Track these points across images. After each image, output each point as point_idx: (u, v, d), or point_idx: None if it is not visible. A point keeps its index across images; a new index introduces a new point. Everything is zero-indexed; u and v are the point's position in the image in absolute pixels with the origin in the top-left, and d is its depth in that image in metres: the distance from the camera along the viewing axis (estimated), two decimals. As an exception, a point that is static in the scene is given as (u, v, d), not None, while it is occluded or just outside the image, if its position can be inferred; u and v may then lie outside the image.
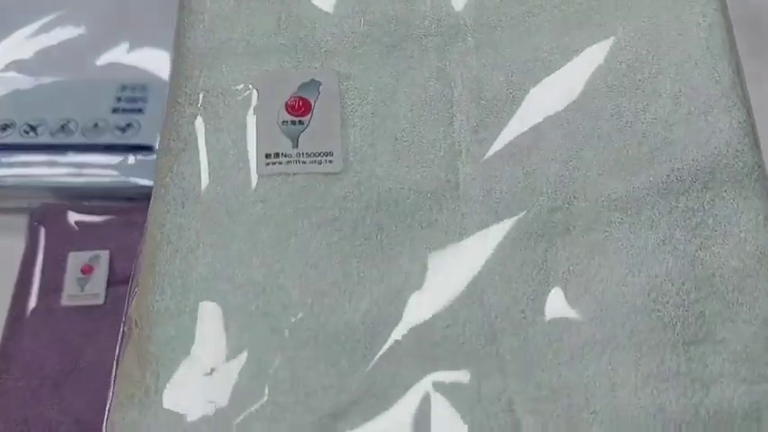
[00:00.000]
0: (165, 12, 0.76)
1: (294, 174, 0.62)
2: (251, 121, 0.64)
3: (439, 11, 0.69)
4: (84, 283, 0.76)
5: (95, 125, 0.83)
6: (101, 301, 0.75)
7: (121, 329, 0.61)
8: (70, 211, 0.80)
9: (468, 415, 0.55)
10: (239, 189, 0.62)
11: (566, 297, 0.59)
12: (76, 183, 0.82)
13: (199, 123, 0.64)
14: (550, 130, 0.64)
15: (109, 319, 0.72)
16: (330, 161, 0.63)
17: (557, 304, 0.59)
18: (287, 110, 0.64)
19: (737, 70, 0.66)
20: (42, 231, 0.79)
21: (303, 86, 0.65)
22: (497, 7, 0.69)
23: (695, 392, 0.56)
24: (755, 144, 0.64)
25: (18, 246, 0.79)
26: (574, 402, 0.56)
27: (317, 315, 0.58)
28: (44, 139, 0.82)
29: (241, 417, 0.55)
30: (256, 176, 0.62)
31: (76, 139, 0.83)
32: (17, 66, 0.87)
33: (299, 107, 0.64)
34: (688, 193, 0.62)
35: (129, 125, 0.84)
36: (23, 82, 0.86)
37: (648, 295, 0.59)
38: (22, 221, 0.81)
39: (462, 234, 0.61)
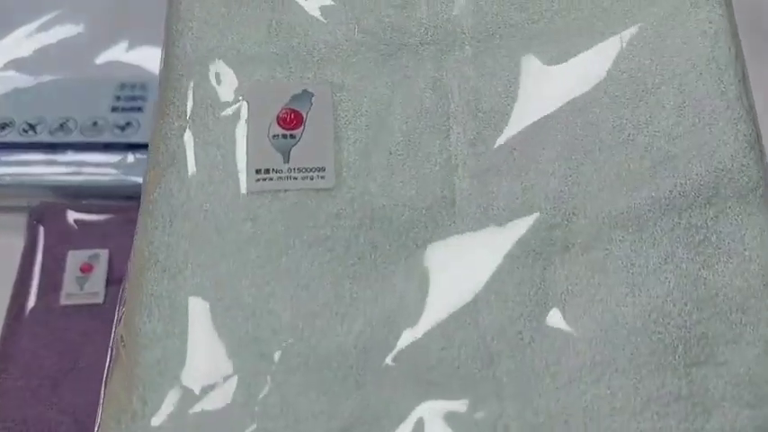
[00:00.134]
0: (164, 10, 0.73)
1: (285, 190, 0.59)
2: (241, 134, 0.61)
3: (436, 18, 0.65)
4: (83, 282, 0.75)
5: (94, 124, 0.82)
6: (100, 300, 0.74)
7: (110, 349, 0.59)
8: (69, 210, 0.79)
9: (463, 442, 0.53)
10: (229, 206, 0.59)
11: (564, 318, 0.56)
12: (76, 181, 0.81)
13: (188, 137, 0.61)
14: (550, 143, 0.61)
15: (108, 318, 0.68)
16: (322, 177, 0.59)
17: (555, 325, 0.56)
18: (278, 123, 0.61)
19: (743, 79, 0.62)
20: (41, 230, 0.78)
21: (295, 98, 0.62)
22: (496, 14, 0.65)
23: (697, 417, 0.54)
24: (761, 157, 0.60)
25: (17, 245, 0.78)
26: (572, 428, 0.53)
27: (307, 339, 0.55)
28: (43, 137, 0.81)
29: (230, 444, 0.52)
30: (246, 193, 0.59)
31: (75, 137, 0.82)
32: (16, 64, 0.86)
33: (291, 120, 0.61)
34: (691, 209, 0.58)
35: (128, 124, 0.83)
36: (22, 80, 0.85)
37: (649, 316, 0.56)
38: (21, 220, 0.80)
39: (458, 252, 0.58)
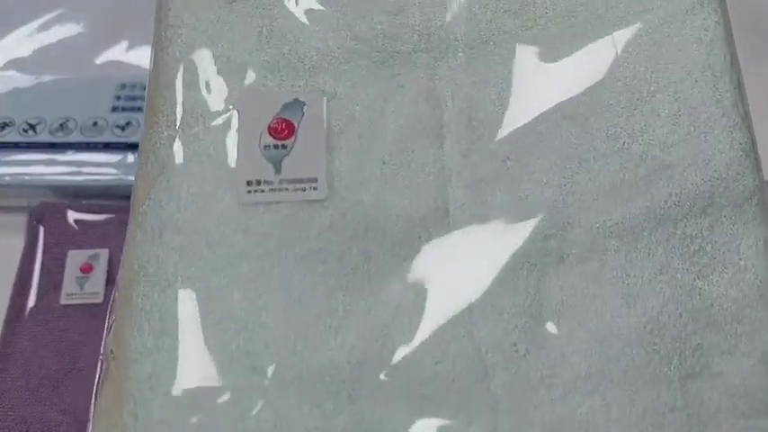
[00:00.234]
0: (164, 11, 0.73)
1: (277, 202, 0.57)
2: (232, 144, 0.59)
3: (429, 25, 0.63)
4: (83, 282, 0.74)
5: (95, 124, 0.82)
6: (100, 299, 0.74)
7: (100, 361, 0.57)
8: (69, 210, 0.79)
9: (458, 458, 0.51)
10: (219, 219, 0.57)
11: (559, 329, 0.55)
12: (76, 181, 0.80)
13: (177, 147, 0.59)
14: (544, 152, 0.59)
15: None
16: (315, 188, 0.58)
17: (550, 337, 0.54)
18: (269, 133, 0.59)
19: (739, 86, 0.61)
20: (41, 230, 0.78)
21: (286, 107, 0.60)
22: (490, 21, 0.63)
23: (692, 428, 0.53)
24: (756, 166, 0.59)
25: (17, 244, 0.77)
26: None
27: (300, 353, 0.54)
28: (43, 137, 0.81)
29: (222, 460, 0.51)
30: (237, 205, 0.57)
31: (76, 137, 0.81)
32: (16, 64, 0.85)
33: (282, 130, 0.59)
34: (686, 218, 0.57)
35: (128, 124, 0.82)
36: (23, 80, 0.84)
37: (644, 327, 0.54)
38: (21, 220, 0.79)
39: (452, 264, 0.56)
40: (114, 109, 0.82)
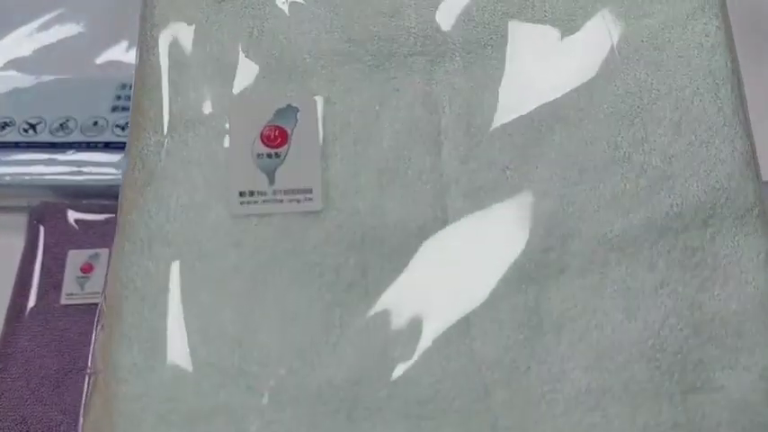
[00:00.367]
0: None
1: (271, 214, 0.55)
2: (222, 152, 0.56)
3: (425, 27, 0.60)
4: (83, 282, 0.73)
5: (95, 123, 0.80)
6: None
7: (87, 375, 0.54)
8: (70, 210, 0.77)
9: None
10: (211, 231, 0.54)
11: (560, 344, 0.53)
12: (76, 181, 0.79)
13: (165, 153, 0.56)
14: (543, 161, 0.57)
15: (110, 318, 0.68)
16: (310, 199, 0.55)
17: (550, 352, 0.53)
18: (262, 140, 0.56)
19: (739, 92, 0.59)
20: (42, 230, 0.76)
21: (279, 113, 0.57)
22: (487, 23, 0.60)
23: None
24: (756, 175, 0.57)
25: (17, 244, 0.76)
26: None
27: (297, 372, 0.51)
28: (43, 137, 0.80)
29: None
30: (229, 216, 0.55)
31: (76, 137, 0.80)
32: (17, 64, 0.84)
33: (275, 137, 0.56)
34: (688, 230, 0.55)
35: (128, 123, 0.78)
36: (23, 80, 0.83)
37: (646, 342, 0.53)
38: (21, 220, 0.77)
39: (451, 276, 0.54)
40: (114, 108, 0.80)
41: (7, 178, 0.78)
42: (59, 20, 0.86)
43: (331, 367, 0.51)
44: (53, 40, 0.85)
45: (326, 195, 0.55)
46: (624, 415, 0.51)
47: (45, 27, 0.86)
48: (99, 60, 0.84)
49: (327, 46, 0.59)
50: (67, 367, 0.68)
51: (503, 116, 0.58)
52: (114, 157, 0.78)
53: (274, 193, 0.55)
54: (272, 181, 0.55)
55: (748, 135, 0.58)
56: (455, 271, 0.54)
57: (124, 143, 0.76)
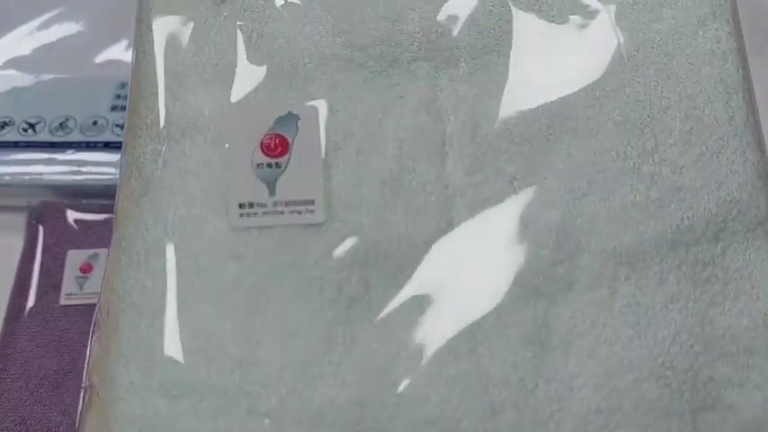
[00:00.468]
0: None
1: (271, 227, 0.52)
2: (221, 162, 0.54)
3: (429, 32, 0.57)
4: (83, 282, 0.72)
5: (94, 123, 0.79)
6: None
7: (83, 390, 0.53)
8: (69, 210, 0.76)
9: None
10: (209, 244, 0.52)
11: (568, 361, 0.51)
12: (75, 181, 0.77)
13: (162, 163, 0.54)
14: (551, 172, 0.54)
15: (110, 318, 0.67)
16: (312, 211, 0.53)
17: (559, 370, 0.51)
18: (262, 150, 0.54)
19: (751, 101, 0.57)
20: (41, 230, 0.75)
21: (280, 121, 0.54)
22: (493, 28, 0.58)
23: None
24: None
25: (17, 244, 0.75)
26: None
27: (299, 393, 0.49)
28: (43, 136, 0.79)
29: None
30: (228, 229, 0.52)
31: (75, 136, 0.79)
32: (16, 63, 0.83)
33: (276, 146, 0.54)
34: (698, 244, 0.53)
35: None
36: (22, 79, 0.82)
37: (656, 359, 0.51)
38: (20, 220, 0.76)
39: (457, 292, 0.52)
40: (114, 108, 0.79)
41: (6, 178, 0.77)
42: (59, 19, 0.85)
43: (334, 387, 0.49)
44: (52, 39, 0.84)
45: (329, 207, 0.53)
46: None
47: (44, 26, 0.85)
48: (98, 59, 0.83)
49: (329, 51, 0.57)
50: (67, 368, 0.67)
51: (509, 125, 0.55)
52: (114, 157, 0.77)
53: (275, 204, 0.53)
54: (272, 192, 0.53)
55: (760, 145, 0.56)
56: (461, 286, 0.52)
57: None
